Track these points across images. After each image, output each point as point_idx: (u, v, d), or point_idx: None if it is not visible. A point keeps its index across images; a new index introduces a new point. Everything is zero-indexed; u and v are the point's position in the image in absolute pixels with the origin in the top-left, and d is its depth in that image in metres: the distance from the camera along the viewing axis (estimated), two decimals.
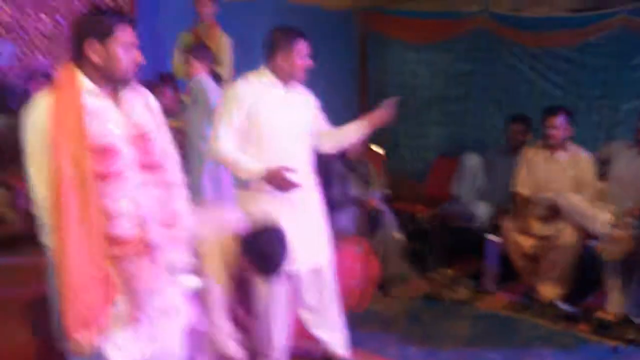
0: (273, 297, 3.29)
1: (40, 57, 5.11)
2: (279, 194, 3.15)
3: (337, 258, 3.56)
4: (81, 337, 2.28)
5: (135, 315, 2.38)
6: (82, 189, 2.27)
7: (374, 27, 6.84)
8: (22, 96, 3.50)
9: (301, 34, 3.24)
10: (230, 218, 3.07)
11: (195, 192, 4.01)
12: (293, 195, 3.14)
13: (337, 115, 6.50)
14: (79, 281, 2.27)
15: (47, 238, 2.33)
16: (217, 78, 4.48)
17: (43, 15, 5.11)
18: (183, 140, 4.14)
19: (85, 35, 2.29)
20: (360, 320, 4.11)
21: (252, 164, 3.14)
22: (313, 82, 6.13)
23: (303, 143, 3.27)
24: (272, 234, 2.94)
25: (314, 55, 6.27)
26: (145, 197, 2.35)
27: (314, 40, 6.21)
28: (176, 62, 4.80)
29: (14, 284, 3.50)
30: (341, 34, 6.70)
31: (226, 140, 3.17)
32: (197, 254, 2.70)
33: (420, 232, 5.36)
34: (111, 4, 5.52)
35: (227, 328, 2.96)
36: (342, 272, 3.90)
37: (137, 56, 2.33)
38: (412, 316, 4.44)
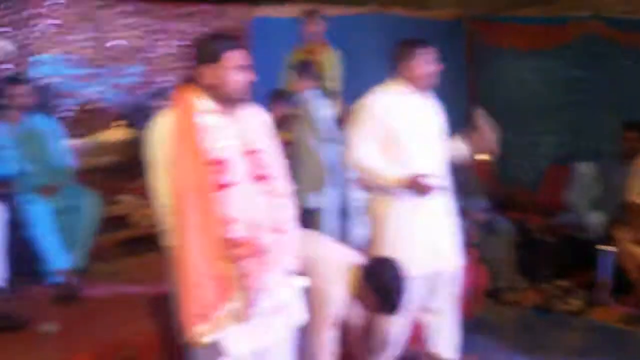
0: (391, 331, 3.44)
1: (165, 77, 5.59)
2: (413, 199, 3.28)
3: None
4: (199, 330, 2.54)
5: (249, 311, 2.60)
6: (201, 198, 2.53)
7: (482, 35, 6.81)
8: (149, 113, 3.87)
9: (423, 42, 3.37)
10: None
11: (301, 200, 4.24)
12: (428, 200, 3.28)
13: (447, 125, 6.60)
14: (197, 279, 2.52)
15: (169, 241, 2.61)
16: (325, 93, 4.67)
17: (169, 40, 5.59)
18: (292, 151, 4.37)
19: (198, 59, 2.56)
20: (469, 328, 4.12)
21: (390, 171, 3.28)
22: None
23: (437, 148, 3.37)
24: (396, 270, 3.05)
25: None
26: (257, 205, 2.57)
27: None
28: (287, 78, 5.07)
29: (141, 282, 3.87)
30: (449, 44, 6.71)
31: (362, 150, 3.34)
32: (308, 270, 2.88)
33: (533, 241, 5.28)
34: (230, 27, 5.92)
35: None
36: None
37: (247, 77, 2.54)
38: (522, 325, 4.41)
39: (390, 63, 3.36)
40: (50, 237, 4.17)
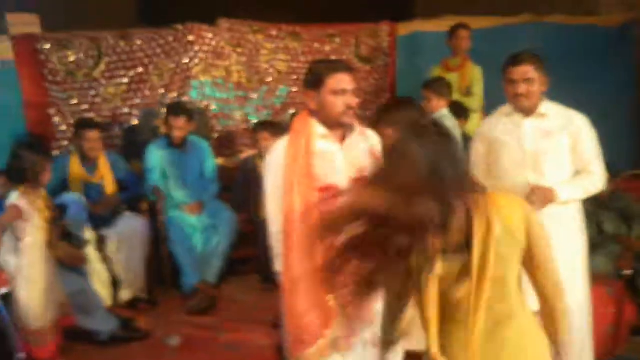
0: None
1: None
2: None
3: None
4: (303, 356, 2.56)
5: (350, 340, 2.57)
6: (309, 224, 2.55)
7: None
8: None
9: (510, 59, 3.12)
10: None
11: None
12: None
13: (613, 140, 6.06)
14: (302, 306, 2.55)
15: (280, 266, 2.66)
16: (460, 110, 4.51)
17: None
18: None
19: (305, 85, 2.60)
20: None
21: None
22: (585, 105, 5.84)
23: (547, 173, 3.09)
24: None
25: (585, 76, 5.97)
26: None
27: (583, 60, 5.96)
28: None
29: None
30: (616, 51, 6.18)
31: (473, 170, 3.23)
32: None
33: None
34: (373, 45, 5.95)
35: None
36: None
37: (348, 101, 2.52)
38: None
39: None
40: (190, 252, 4.46)
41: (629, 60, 6.18)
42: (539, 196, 2.94)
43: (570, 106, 4.88)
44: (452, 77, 5.10)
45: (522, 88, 3.02)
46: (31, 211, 3.31)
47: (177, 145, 4.66)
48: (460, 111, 4.52)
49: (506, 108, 3.19)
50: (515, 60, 3.05)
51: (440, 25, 5.80)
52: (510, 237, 1.74)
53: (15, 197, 3.29)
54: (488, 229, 1.70)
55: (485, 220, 1.70)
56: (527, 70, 3.01)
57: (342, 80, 2.52)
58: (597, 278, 4.14)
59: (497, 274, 1.72)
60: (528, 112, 3.09)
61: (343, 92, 2.52)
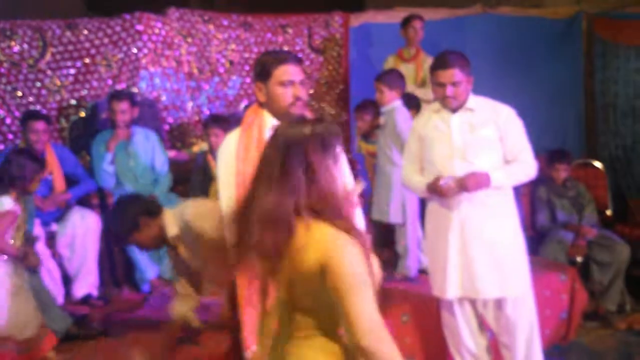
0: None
1: None
2: (447, 211, 3.17)
3: (538, 287, 3.40)
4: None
5: None
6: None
7: (601, 33, 6.34)
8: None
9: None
10: None
11: (384, 214, 4.15)
12: (463, 212, 3.12)
13: (562, 128, 6.22)
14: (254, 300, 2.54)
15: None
16: (413, 102, 4.54)
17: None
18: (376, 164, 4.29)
19: (254, 77, 2.57)
20: (565, 353, 3.86)
21: (419, 178, 3.26)
22: (534, 94, 5.97)
23: (473, 166, 3.14)
24: None
25: (534, 67, 6.10)
26: None
27: (533, 51, 6.08)
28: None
29: None
30: (564, 43, 6.33)
31: (408, 166, 3.34)
32: None
33: None
34: (325, 35, 5.93)
35: None
36: (543, 301, 3.72)
37: (296, 92, 2.49)
38: (623, 352, 4.04)
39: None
40: None
41: (577, 51, 6.33)
42: (472, 180, 3.04)
43: (520, 96, 5.01)
44: (407, 68, 5.14)
45: (449, 91, 3.13)
46: (23, 217, 3.32)
47: (123, 136, 4.56)
48: (412, 103, 4.55)
49: (435, 105, 3.31)
50: (443, 63, 3.14)
51: (391, 17, 5.83)
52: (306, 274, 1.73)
53: (8, 203, 3.27)
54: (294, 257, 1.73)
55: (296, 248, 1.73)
56: (454, 73, 3.11)
57: (289, 71, 2.49)
58: (550, 265, 4.28)
59: (285, 297, 1.81)
60: (456, 108, 3.19)
61: (291, 83, 2.49)
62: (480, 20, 6.07)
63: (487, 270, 3.13)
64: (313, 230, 1.73)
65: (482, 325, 3.36)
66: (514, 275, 3.19)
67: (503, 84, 5.29)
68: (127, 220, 3.08)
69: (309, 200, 1.74)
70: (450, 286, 3.18)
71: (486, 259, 3.14)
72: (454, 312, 3.31)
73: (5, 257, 3.28)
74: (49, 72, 4.99)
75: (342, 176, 1.85)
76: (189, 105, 5.46)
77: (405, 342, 3.51)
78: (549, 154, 5.00)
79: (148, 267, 4.35)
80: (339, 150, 1.85)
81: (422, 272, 4.06)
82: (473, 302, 3.29)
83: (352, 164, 5.13)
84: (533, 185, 4.77)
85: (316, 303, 1.78)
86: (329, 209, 1.76)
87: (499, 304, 3.24)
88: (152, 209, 3.15)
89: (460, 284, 3.17)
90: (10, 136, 4.83)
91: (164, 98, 5.35)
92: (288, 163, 1.76)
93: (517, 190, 3.46)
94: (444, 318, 3.41)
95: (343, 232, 1.74)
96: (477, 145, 3.15)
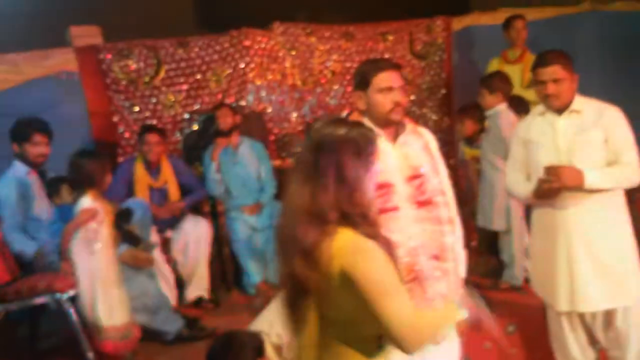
0: None
1: None
2: (552, 218, 3.05)
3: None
4: None
5: None
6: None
7: None
8: None
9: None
10: None
11: (488, 220, 4.06)
12: (569, 218, 3.00)
13: None
14: None
15: None
16: (520, 105, 4.40)
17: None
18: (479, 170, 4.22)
19: (354, 86, 2.63)
20: None
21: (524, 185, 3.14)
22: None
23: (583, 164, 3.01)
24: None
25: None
26: (418, 230, 2.54)
27: None
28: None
29: None
30: None
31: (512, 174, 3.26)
32: None
33: None
34: (427, 40, 5.90)
35: None
36: None
37: (395, 99, 2.51)
38: None
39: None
40: (251, 252, 4.56)
41: None
42: (565, 175, 2.90)
43: (633, 95, 4.74)
44: (512, 70, 5.01)
45: (551, 88, 2.98)
46: (104, 213, 3.45)
47: (228, 145, 4.75)
48: (522, 107, 4.40)
49: (540, 108, 3.17)
50: (543, 61, 3.01)
51: (495, 18, 5.73)
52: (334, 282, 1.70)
53: (87, 202, 3.43)
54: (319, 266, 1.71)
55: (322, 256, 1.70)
56: (555, 71, 2.97)
57: (387, 78, 2.52)
58: None
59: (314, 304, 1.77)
60: (561, 110, 3.05)
61: (390, 89, 2.51)
62: (588, 18, 5.83)
63: (594, 280, 2.98)
64: (337, 236, 1.72)
65: (592, 338, 3.21)
66: (624, 284, 3.02)
67: (614, 83, 5.06)
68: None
69: (337, 200, 1.75)
70: (559, 298, 3.06)
71: (593, 267, 2.99)
72: (562, 325, 3.19)
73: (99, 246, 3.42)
74: (163, 89, 5.30)
75: (372, 185, 1.85)
76: (293, 115, 5.62)
77: (512, 354, 3.42)
78: None
79: (255, 271, 4.51)
80: (373, 158, 1.84)
81: (528, 280, 3.94)
82: (582, 315, 3.15)
83: (454, 169, 5.10)
84: None
85: (340, 314, 1.76)
86: (355, 213, 1.76)
87: (608, 315, 3.08)
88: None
89: (568, 296, 3.05)
90: (129, 150, 5.17)
91: (269, 110, 5.54)
92: (320, 161, 1.77)
93: (632, 193, 3.28)
94: (551, 330, 3.29)
95: (368, 237, 1.73)
96: (584, 149, 3.01)
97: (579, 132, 3.01)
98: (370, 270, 1.69)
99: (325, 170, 1.76)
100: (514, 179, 3.25)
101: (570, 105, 3.06)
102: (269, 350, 3.01)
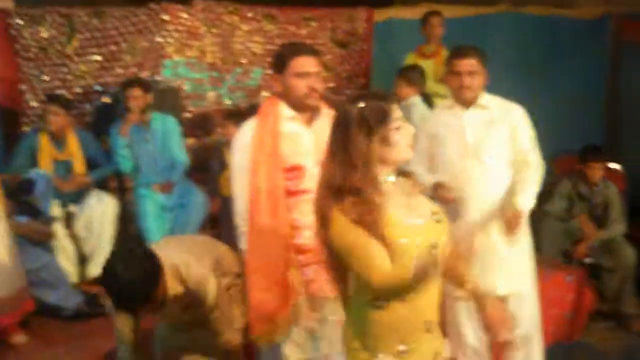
0: None
1: None
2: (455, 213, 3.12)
3: (544, 286, 3.38)
4: (263, 331, 2.60)
5: (311, 317, 2.61)
6: (274, 203, 2.58)
7: (630, 35, 6.24)
8: None
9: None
10: None
11: None
12: (471, 216, 3.10)
13: (582, 130, 6.14)
14: (264, 283, 2.59)
15: (244, 244, 2.68)
16: (431, 100, 4.53)
17: None
18: None
19: (272, 68, 2.62)
20: (567, 353, 3.83)
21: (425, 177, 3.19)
22: (556, 95, 5.90)
23: (487, 162, 3.13)
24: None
25: (558, 67, 6.03)
26: None
27: (557, 52, 6.01)
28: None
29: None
30: (589, 44, 6.25)
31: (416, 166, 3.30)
32: None
33: None
34: (349, 30, 5.95)
35: None
36: (548, 301, 3.70)
37: (311, 84, 2.54)
38: (626, 352, 4.00)
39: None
40: (158, 231, 4.46)
41: (603, 53, 6.26)
42: (512, 225, 3.07)
43: (542, 96, 4.92)
44: (427, 64, 5.12)
45: (467, 80, 3.08)
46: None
47: (137, 122, 4.63)
48: (431, 101, 4.53)
49: (447, 102, 3.27)
50: (461, 52, 3.12)
51: (416, 13, 5.80)
52: None
53: None
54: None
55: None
56: (472, 63, 3.08)
57: (305, 63, 2.54)
58: (556, 265, 4.24)
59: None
60: (469, 104, 3.15)
61: (307, 74, 2.54)
62: (504, 19, 6.03)
63: (491, 269, 3.12)
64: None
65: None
66: (517, 273, 3.18)
67: (524, 83, 5.26)
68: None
69: (335, 175, 1.87)
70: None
71: (492, 257, 3.13)
72: (459, 312, 3.29)
73: None
74: (75, 58, 5.11)
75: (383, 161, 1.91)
76: (211, 95, 5.54)
77: None
78: (582, 150, 4.66)
79: None
80: (387, 134, 1.88)
81: None
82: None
83: None
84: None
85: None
86: (346, 189, 1.84)
87: (502, 301, 3.23)
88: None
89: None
90: (36, 120, 4.94)
91: (186, 87, 5.43)
92: (332, 137, 1.91)
93: None
94: (447, 317, 3.39)
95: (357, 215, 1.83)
96: (490, 144, 3.12)
97: (486, 126, 3.12)
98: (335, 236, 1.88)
99: (333, 145, 1.91)
100: (416, 172, 3.30)
101: (478, 100, 3.16)
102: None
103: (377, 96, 1.93)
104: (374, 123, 1.86)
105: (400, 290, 1.87)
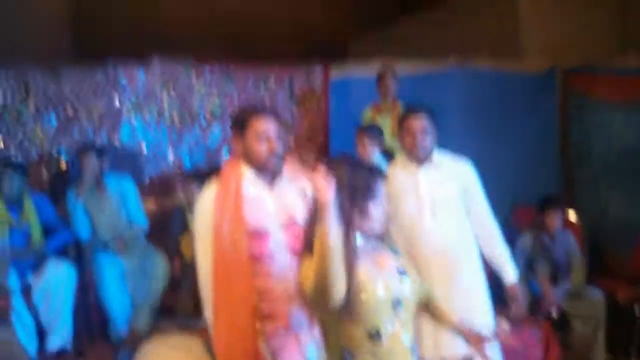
0: None
1: None
2: None
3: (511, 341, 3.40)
4: None
5: None
6: (238, 269, 2.54)
7: (577, 87, 6.46)
8: None
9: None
10: None
11: None
12: None
13: (537, 182, 6.27)
14: (230, 354, 2.52)
15: (209, 312, 2.62)
16: (390, 156, 4.59)
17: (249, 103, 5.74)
18: None
19: (232, 129, 2.62)
20: None
21: None
22: (509, 149, 6.02)
23: (441, 219, 3.18)
24: None
25: (509, 121, 6.17)
26: (293, 277, 2.54)
27: (507, 106, 6.16)
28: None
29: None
30: (539, 98, 6.44)
31: None
32: None
33: (623, 315, 4.77)
34: (306, 89, 6.03)
35: None
36: (514, 356, 3.70)
37: (271, 146, 2.53)
38: None
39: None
40: (118, 297, 4.35)
41: (552, 106, 6.45)
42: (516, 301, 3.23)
43: (495, 150, 4.99)
44: (383, 121, 5.21)
45: (420, 139, 3.16)
46: None
47: (96, 186, 4.56)
48: (389, 156, 4.59)
49: (400, 160, 3.35)
50: (413, 113, 3.22)
51: (371, 70, 5.94)
52: None
53: None
54: None
55: None
56: (424, 123, 3.17)
57: (264, 126, 2.54)
58: (521, 319, 4.25)
59: None
60: (422, 161, 3.23)
61: (267, 137, 2.53)
62: (455, 74, 6.17)
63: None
64: None
65: None
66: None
67: (477, 138, 5.37)
68: None
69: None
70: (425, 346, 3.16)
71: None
72: None
73: None
74: (30, 123, 5.03)
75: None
76: (171, 156, 5.51)
77: None
78: (540, 201, 4.76)
79: (122, 319, 4.30)
80: (369, 204, 2.03)
81: None
82: None
83: None
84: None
85: None
86: None
87: None
88: None
89: (431, 343, 3.15)
90: None
91: (145, 149, 5.40)
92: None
93: None
94: None
95: None
96: (445, 200, 3.20)
97: (439, 183, 3.20)
98: None
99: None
100: None
101: (430, 157, 3.24)
102: None
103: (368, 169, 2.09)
104: (361, 194, 1.97)
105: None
